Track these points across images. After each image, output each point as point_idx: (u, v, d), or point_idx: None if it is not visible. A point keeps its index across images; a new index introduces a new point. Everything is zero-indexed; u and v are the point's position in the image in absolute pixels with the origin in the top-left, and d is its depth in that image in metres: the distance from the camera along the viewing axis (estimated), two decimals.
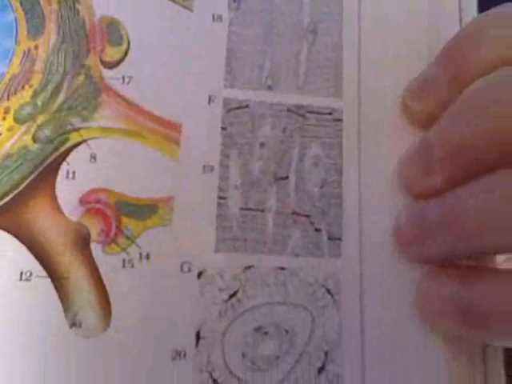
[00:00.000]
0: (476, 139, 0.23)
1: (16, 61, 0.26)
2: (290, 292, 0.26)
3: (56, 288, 0.24)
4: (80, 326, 0.24)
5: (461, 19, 0.30)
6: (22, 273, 0.24)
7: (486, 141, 0.23)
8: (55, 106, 0.26)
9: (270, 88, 0.28)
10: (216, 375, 0.24)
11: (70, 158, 0.26)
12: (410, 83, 0.28)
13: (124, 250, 0.25)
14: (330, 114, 0.28)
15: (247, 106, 0.28)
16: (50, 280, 0.24)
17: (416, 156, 0.26)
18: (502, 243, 0.22)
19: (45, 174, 0.25)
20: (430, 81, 0.26)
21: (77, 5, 0.27)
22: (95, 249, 0.25)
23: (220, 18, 0.28)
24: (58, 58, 0.27)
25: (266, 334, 0.25)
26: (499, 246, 0.22)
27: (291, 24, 0.29)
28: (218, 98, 0.27)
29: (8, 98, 0.26)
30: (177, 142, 0.26)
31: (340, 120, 0.28)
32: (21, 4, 0.27)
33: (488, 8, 0.27)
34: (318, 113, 0.28)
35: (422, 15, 0.29)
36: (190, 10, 0.28)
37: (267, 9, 0.29)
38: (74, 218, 0.25)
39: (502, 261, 0.26)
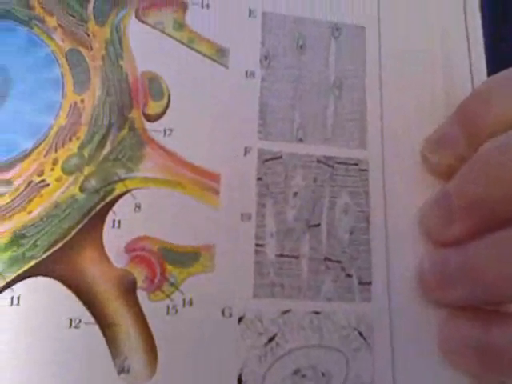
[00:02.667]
0: (490, 195, 0.22)
1: (63, 114, 0.25)
2: (324, 335, 0.24)
3: (104, 335, 0.22)
4: (128, 372, 0.22)
5: (471, 71, 0.29)
6: (71, 320, 0.22)
7: (498, 197, 0.22)
8: (101, 157, 0.24)
9: (300, 140, 0.27)
10: None
11: (115, 208, 0.24)
12: (429, 137, 0.27)
13: (168, 296, 0.23)
14: (356, 164, 0.27)
15: (280, 157, 0.26)
16: (98, 327, 0.22)
17: (436, 206, 0.25)
18: None
19: (92, 223, 0.24)
20: (448, 136, 0.26)
21: (120, 61, 0.26)
22: (141, 295, 0.23)
23: (253, 75, 0.27)
24: (103, 111, 0.25)
25: (304, 376, 0.23)
26: None
27: (318, 80, 0.28)
28: (253, 150, 0.26)
29: (56, 150, 0.24)
30: (216, 192, 0.25)
31: (366, 170, 0.27)
32: (67, 60, 0.25)
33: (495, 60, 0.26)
34: (346, 163, 0.27)
35: (437, 67, 0.28)
36: (226, 66, 0.27)
37: (296, 66, 0.27)
38: (120, 266, 0.23)
39: None
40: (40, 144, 0.24)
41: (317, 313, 0.24)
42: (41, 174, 0.24)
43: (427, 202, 0.26)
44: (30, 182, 0.24)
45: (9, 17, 0.25)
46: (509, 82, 0.24)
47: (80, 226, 0.23)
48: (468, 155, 0.24)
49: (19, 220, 0.23)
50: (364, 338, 0.24)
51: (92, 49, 0.26)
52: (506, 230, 0.22)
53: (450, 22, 0.29)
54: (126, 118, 0.25)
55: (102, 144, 0.24)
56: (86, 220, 0.23)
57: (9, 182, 0.24)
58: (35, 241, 0.23)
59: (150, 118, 0.25)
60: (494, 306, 0.24)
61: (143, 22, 0.26)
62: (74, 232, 0.23)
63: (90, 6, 0.26)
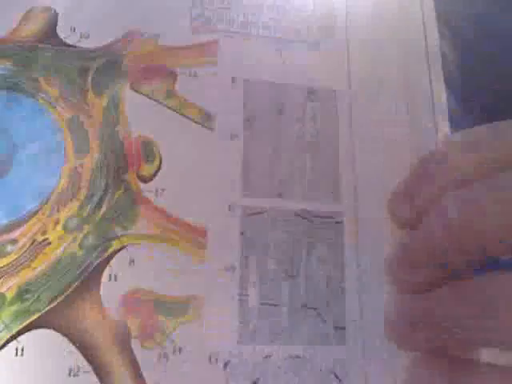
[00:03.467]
0: (447, 245, 0.23)
1: (64, 177, 0.26)
2: (304, 378, 0.26)
3: (101, 382, 0.24)
4: None
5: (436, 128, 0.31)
6: (70, 369, 0.24)
7: (455, 247, 0.23)
8: (99, 216, 0.26)
9: (280, 195, 0.28)
10: None
11: (112, 262, 0.26)
12: (392, 191, 0.28)
13: (160, 344, 0.25)
14: (331, 217, 0.28)
15: (262, 213, 0.28)
16: (95, 375, 0.24)
17: (399, 255, 0.27)
18: (478, 341, 0.22)
19: (90, 278, 0.25)
20: (410, 191, 0.27)
21: (116, 127, 0.28)
22: (135, 344, 0.25)
23: (237, 136, 0.29)
24: (100, 174, 0.27)
25: None
26: (476, 342, 0.23)
27: (296, 140, 0.29)
28: (238, 206, 0.28)
29: (58, 211, 0.26)
30: (203, 246, 0.27)
31: (341, 223, 0.28)
32: (68, 127, 0.27)
33: None
34: (322, 217, 0.28)
35: (405, 125, 0.30)
36: (212, 129, 0.29)
37: (275, 127, 0.29)
38: (116, 317, 0.25)
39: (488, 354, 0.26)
40: (43, 206, 0.26)
41: (296, 357, 0.26)
42: (44, 232, 0.25)
43: (391, 251, 0.27)
44: (34, 241, 0.25)
45: (17, 89, 0.27)
46: (467, 143, 0.26)
47: (79, 281, 0.25)
48: (429, 208, 0.25)
49: (24, 276, 0.25)
50: (340, 380, 0.26)
51: (91, 116, 0.27)
52: (466, 277, 0.23)
53: (415, 87, 0.31)
54: (121, 179, 0.27)
55: (99, 204, 0.26)
56: (85, 274, 0.25)
57: (15, 241, 0.25)
58: (39, 295, 0.24)
59: (144, 179, 0.27)
60: (461, 352, 0.25)
61: (137, 91, 0.28)
62: (73, 286, 0.25)
63: (89, 78, 0.28)
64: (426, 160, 0.27)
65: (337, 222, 0.28)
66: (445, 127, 0.30)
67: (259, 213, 0.28)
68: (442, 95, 0.30)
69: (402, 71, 0.31)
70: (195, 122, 0.28)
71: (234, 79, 0.29)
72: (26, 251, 0.25)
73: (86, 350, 0.24)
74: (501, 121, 0.25)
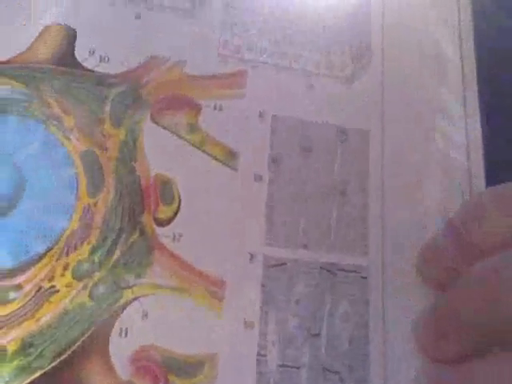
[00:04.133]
0: (480, 318, 0.22)
1: (76, 217, 0.24)
2: None
3: None
4: None
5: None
6: None
7: (490, 320, 0.22)
8: (111, 262, 0.24)
9: (305, 246, 0.26)
10: None
11: (123, 316, 0.23)
12: (422, 249, 0.26)
13: None
14: (357, 271, 0.26)
15: (285, 264, 0.26)
16: None
17: (428, 322, 0.25)
18: None
19: (99, 332, 0.23)
20: (440, 249, 0.25)
21: (133, 163, 0.25)
22: None
23: (261, 178, 0.26)
24: (115, 214, 0.24)
25: None
26: None
27: (323, 184, 0.27)
28: (259, 256, 0.26)
29: (67, 254, 0.24)
30: (220, 299, 0.24)
31: (366, 278, 0.26)
32: (81, 160, 0.25)
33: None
34: (347, 270, 0.26)
35: (437, 174, 0.28)
36: (235, 169, 0.26)
37: (302, 169, 0.27)
38: (124, 377, 0.23)
39: None
40: (52, 248, 0.23)
41: None
42: (51, 279, 0.23)
43: (420, 316, 0.25)
44: (40, 288, 0.23)
45: (27, 115, 0.25)
46: (502, 198, 0.24)
47: (87, 335, 0.23)
48: (461, 270, 0.24)
49: (28, 327, 0.22)
50: None
51: (107, 150, 0.25)
52: (498, 352, 0.21)
53: (450, 128, 0.29)
54: (137, 222, 0.24)
55: (112, 249, 0.24)
56: (93, 328, 0.23)
57: (19, 288, 0.23)
58: (42, 350, 0.22)
59: (161, 223, 0.25)
60: None
61: (158, 124, 0.26)
62: (80, 341, 0.23)
63: (107, 107, 0.25)
64: (457, 218, 0.25)
65: (362, 277, 0.26)
66: (480, 182, 0.28)
67: (282, 264, 0.26)
68: (479, 148, 0.28)
69: (439, 115, 0.29)
70: (217, 161, 0.26)
71: (261, 114, 0.27)
72: (30, 299, 0.23)
73: None
74: None
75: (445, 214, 0.27)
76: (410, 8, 0.30)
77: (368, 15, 0.30)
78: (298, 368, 0.24)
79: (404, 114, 0.29)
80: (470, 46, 0.30)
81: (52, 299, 0.23)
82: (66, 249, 0.23)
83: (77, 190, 0.24)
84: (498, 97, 0.30)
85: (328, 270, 0.26)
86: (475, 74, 0.29)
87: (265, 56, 0.28)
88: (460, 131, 0.29)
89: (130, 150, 0.25)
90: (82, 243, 0.23)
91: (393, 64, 0.29)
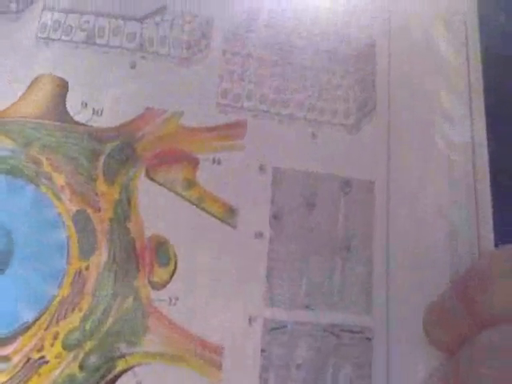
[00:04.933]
0: None
1: (67, 282, 0.23)
2: None
3: None
4: None
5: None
6: None
7: None
8: (103, 330, 0.23)
9: (307, 307, 0.25)
10: None
11: None
12: (429, 309, 0.25)
13: None
14: (361, 332, 0.25)
15: (286, 326, 0.24)
16: None
17: None
18: None
19: None
20: (448, 312, 0.24)
21: (128, 223, 0.24)
22: None
23: (261, 235, 0.25)
24: (108, 279, 0.23)
25: None
26: None
27: (327, 240, 0.26)
28: (259, 319, 0.24)
29: (57, 323, 0.22)
30: (219, 366, 0.23)
31: (370, 339, 0.25)
32: (73, 222, 0.23)
33: None
34: (351, 331, 0.25)
35: (444, 232, 0.27)
36: (234, 227, 0.25)
37: (305, 225, 0.26)
38: None
39: None
40: (41, 316, 0.22)
41: None
42: (40, 349, 0.22)
43: (426, 381, 0.24)
44: (29, 359, 0.22)
45: (16, 173, 0.23)
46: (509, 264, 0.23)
47: None
48: (470, 333, 0.22)
49: None
50: None
51: (100, 210, 0.24)
52: None
53: (460, 187, 0.27)
54: (130, 286, 0.23)
55: (104, 316, 0.23)
56: None
57: (7, 359, 0.22)
58: None
59: (156, 286, 0.23)
60: None
61: (153, 180, 0.24)
62: None
63: (100, 164, 0.24)
64: (463, 283, 0.24)
65: (367, 339, 0.25)
66: (489, 240, 0.26)
67: (283, 326, 0.24)
68: (487, 204, 0.27)
69: (446, 164, 0.28)
70: (216, 218, 0.25)
71: (262, 166, 0.26)
72: (19, 371, 0.21)
73: None
74: None
75: (454, 272, 0.26)
76: (416, 50, 0.29)
77: (372, 57, 0.28)
78: None
79: (411, 163, 0.27)
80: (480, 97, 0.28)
81: (41, 371, 0.21)
82: (56, 317, 0.22)
83: (68, 253, 0.23)
84: (504, 103, 0.29)
85: (331, 332, 0.24)
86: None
87: (265, 104, 0.26)
88: (469, 177, 0.27)
89: (124, 210, 0.23)
90: (72, 310, 0.22)
91: (399, 109, 0.28)
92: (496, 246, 0.26)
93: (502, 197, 0.27)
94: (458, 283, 0.24)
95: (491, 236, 0.26)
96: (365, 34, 0.29)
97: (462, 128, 0.28)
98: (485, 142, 0.28)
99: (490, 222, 0.26)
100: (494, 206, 0.26)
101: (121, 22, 0.26)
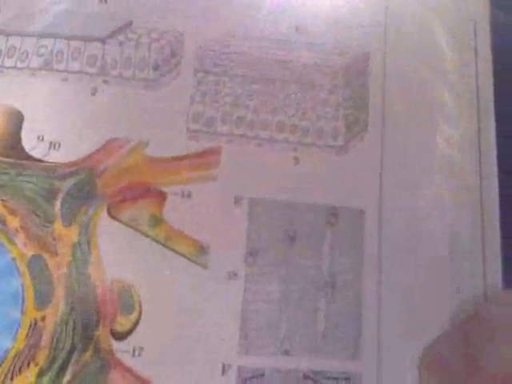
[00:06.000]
0: None
1: (22, 334, 0.21)
2: None
3: None
4: None
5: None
6: None
7: None
8: None
9: (286, 352, 0.23)
10: None
11: None
12: (425, 352, 0.23)
13: None
14: (347, 379, 0.23)
15: (262, 375, 0.22)
16: None
17: None
18: None
19: None
20: (445, 358, 0.22)
21: (88, 268, 0.22)
22: None
23: (235, 275, 0.23)
24: (66, 330, 0.21)
25: None
26: None
27: (309, 277, 0.23)
28: (233, 367, 0.22)
29: (12, 379, 0.21)
30: None
31: None
32: (28, 268, 0.22)
33: None
34: (336, 378, 0.22)
35: (444, 270, 0.24)
36: (205, 267, 0.23)
37: (285, 261, 0.23)
38: None
39: None
40: None
41: None
42: None
43: None
44: None
45: None
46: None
47: None
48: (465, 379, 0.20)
49: None
50: None
51: (57, 254, 0.22)
52: None
53: (462, 220, 0.24)
54: (90, 337, 0.21)
55: (62, 371, 0.21)
56: None
57: None
58: None
59: (118, 336, 0.21)
60: None
61: (116, 219, 0.22)
62: None
63: (58, 204, 0.22)
64: (468, 326, 0.21)
65: None
66: (496, 283, 0.23)
67: (260, 375, 0.22)
68: (495, 240, 0.23)
69: (449, 191, 0.24)
70: (185, 258, 0.22)
71: (237, 198, 0.23)
72: None
73: None
74: None
75: (454, 317, 0.23)
76: (415, 62, 0.26)
77: (366, 69, 0.25)
78: None
79: (404, 187, 0.24)
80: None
81: None
82: (10, 373, 0.20)
83: (23, 302, 0.21)
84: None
85: (314, 380, 0.22)
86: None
87: (242, 127, 0.24)
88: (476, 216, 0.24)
89: (83, 253, 0.21)
90: (28, 364, 0.21)
91: (394, 127, 0.25)
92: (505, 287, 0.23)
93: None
94: (460, 329, 0.21)
95: (499, 282, 0.23)
96: (358, 44, 0.25)
97: (470, 155, 0.24)
98: (495, 170, 0.25)
99: (499, 269, 0.23)
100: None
101: (81, 43, 0.23)
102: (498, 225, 0.24)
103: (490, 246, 0.24)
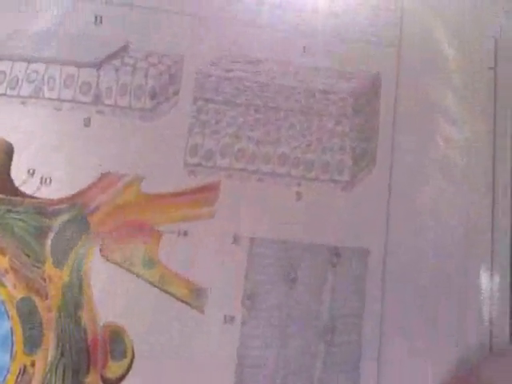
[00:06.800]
0: None
1: (11, 380, 0.20)
2: None
3: None
4: None
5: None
6: None
7: None
8: None
9: None
10: None
11: None
12: None
13: None
14: None
15: None
16: None
17: None
18: None
19: None
20: None
21: (79, 311, 0.21)
22: None
23: (232, 320, 0.22)
24: (55, 376, 0.21)
25: None
26: None
27: (308, 322, 0.22)
28: None
29: None
30: None
31: None
32: (17, 311, 0.21)
33: None
34: None
35: (449, 328, 0.23)
36: (201, 311, 0.22)
37: (284, 305, 0.22)
38: None
39: None
40: None
41: None
42: None
43: None
44: None
45: None
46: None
47: None
48: None
49: None
50: None
51: (47, 297, 0.21)
52: None
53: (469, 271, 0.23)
54: (81, 383, 0.21)
55: None
56: None
57: None
58: None
59: (109, 383, 0.21)
60: None
61: (108, 259, 0.21)
62: None
63: (48, 243, 0.21)
64: (466, 380, 0.20)
65: None
66: (502, 335, 0.22)
67: None
68: (505, 288, 0.22)
69: (462, 227, 0.23)
70: (180, 301, 0.21)
71: (236, 237, 0.22)
72: None
73: None
74: None
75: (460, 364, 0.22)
76: (430, 85, 0.24)
77: (376, 96, 0.24)
78: None
79: (414, 228, 0.23)
80: None
81: None
82: None
83: (12, 347, 0.20)
84: None
85: None
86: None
87: (242, 161, 0.22)
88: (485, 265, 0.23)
89: (74, 296, 0.21)
90: None
91: (403, 160, 0.23)
92: None
93: None
94: (461, 380, 0.21)
95: (506, 335, 0.22)
96: (368, 67, 0.24)
97: (482, 188, 0.23)
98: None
99: (507, 322, 0.22)
100: None
101: (74, 69, 0.22)
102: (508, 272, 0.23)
103: (498, 294, 0.23)
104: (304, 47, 0.24)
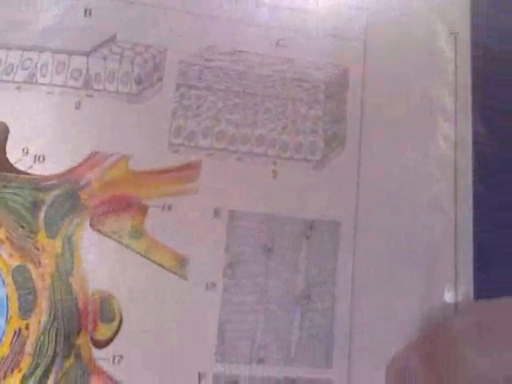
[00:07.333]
0: None
1: (6, 342, 0.22)
2: None
3: None
4: None
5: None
6: None
7: None
8: None
9: (261, 361, 0.23)
10: None
11: None
12: (390, 366, 0.23)
13: None
14: None
15: (237, 382, 0.23)
16: None
17: None
18: None
19: None
20: (408, 371, 0.22)
21: (70, 278, 0.23)
22: None
23: (214, 286, 0.24)
24: (48, 338, 0.22)
25: None
26: None
27: (285, 289, 0.24)
28: (208, 375, 0.23)
29: None
30: None
31: None
32: (13, 278, 0.22)
33: None
34: None
35: (417, 282, 0.25)
36: (185, 278, 0.23)
37: (262, 273, 0.24)
38: None
39: None
40: None
41: None
42: None
43: None
44: None
45: None
46: (476, 330, 0.21)
47: None
48: None
49: None
50: None
51: (41, 265, 0.22)
52: None
53: (437, 231, 0.25)
54: (72, 345, 0.22)
55: (45, 376, 0.22)
56: None
57: None
58: None
59: (99, 344, 0.22)
60: None
61: (98, 231, 0.23)
62: None
63: (42, 215, 0.23)
64: (431, 335, 0.22)
65: None
66: (467, 293, 0.24)
67: (234, 382, 0.23)
68: (468, 248, 0.24)
69: (428, 204, 0.25)
70: (165, 269, 0.23)
71: (216, 211, 0.24)
72: None
73: None
74: None
75: (424, 326, 0.24)
76: (395, 76, 0.26)
77: (345, 84, 0.26)
78: None
79: (382, 202, 0.25)
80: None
81: None
82: None
83: (7, 311, 0.22)
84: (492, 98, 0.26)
85: None
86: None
87: (223, 142, 0.24)
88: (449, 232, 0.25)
89: (66, 264, 0.22)
90: (12, 371, 0.21)
91: (371, 142, 0.25)
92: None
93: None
94: (427, 339, 0.22)
95: (470, 292, 0.24)
96: (337, 59, 0.26)
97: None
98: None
99: (471, 279, 0.24)
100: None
101: (65, 57, 0.24)
102: (471, 231, 0.25)
103: (462, 254, 0.25)
104: (278, 40, 0.26)
